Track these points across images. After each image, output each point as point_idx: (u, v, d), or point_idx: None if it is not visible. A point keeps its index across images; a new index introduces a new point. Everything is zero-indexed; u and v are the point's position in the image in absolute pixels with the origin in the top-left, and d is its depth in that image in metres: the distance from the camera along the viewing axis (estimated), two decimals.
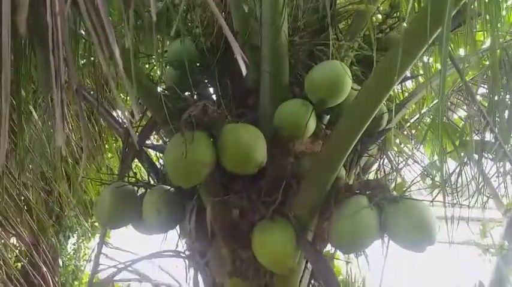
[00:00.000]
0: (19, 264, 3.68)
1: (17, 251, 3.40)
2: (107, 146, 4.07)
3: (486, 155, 2.46)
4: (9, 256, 3.37)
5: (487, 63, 2.87)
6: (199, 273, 1.66)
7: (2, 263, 2.72)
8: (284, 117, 1.35)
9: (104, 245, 1.82)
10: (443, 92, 1.18)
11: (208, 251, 1.51)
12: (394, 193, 1.42)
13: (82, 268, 6.08)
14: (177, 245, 1.64)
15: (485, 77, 2.56)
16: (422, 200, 1.32)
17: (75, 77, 0.75)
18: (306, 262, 1.59)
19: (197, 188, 1.47)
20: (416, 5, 1.57)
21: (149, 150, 1.99)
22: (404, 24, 1.59)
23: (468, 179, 2.55)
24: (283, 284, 1.52)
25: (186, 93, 1.52)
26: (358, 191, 1.42)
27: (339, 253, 1.86)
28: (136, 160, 1.97)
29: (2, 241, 2.84)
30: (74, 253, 6.03)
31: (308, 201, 1.40)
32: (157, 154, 1.85)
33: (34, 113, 2.34)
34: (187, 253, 1.69)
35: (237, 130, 1.27)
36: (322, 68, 1.30)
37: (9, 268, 2.79)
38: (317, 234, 1.54)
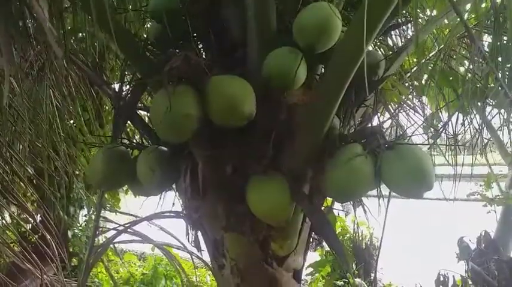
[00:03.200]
0: (31, 237, 3.76)
1: (28, 225, 3.47)
2: (110, 117, 4.05)
3: (490, 103, 2.40)
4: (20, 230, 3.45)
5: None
6: (198, 231, 1.67)
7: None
8: (272, 67, 1.30)
9: (103, 209, 1.83)
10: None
11: (203, 208, 1.51)
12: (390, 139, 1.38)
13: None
14: (173, 204, 1.64)
15: (488, 22, 2.45)
16: (418, 144, 1.28)
17: None
18: (305, 215, 1.58)
19: (189, 146, 1.45)
20: None
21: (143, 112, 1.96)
22: None
23: (472, 130, 2.50)
24: (282, 237, 1.52)
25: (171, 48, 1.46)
26: (352, 140, 1.38)
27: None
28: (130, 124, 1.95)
29: (14, 212, 2.90)
30: (85, 225, 6.17)
31: (301, 153, 1.37)
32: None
33: None
34: (184, 212, 1.69)
35: (222, 82, 1.23)
36: (310, 11, 1.24)
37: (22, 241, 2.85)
38: (314, 187, 1.52)
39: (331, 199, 1.54)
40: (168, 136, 1.23)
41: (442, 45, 2.45)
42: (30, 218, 3.18)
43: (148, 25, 2.08)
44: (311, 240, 1.78)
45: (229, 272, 1.56)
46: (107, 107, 3.86)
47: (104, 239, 1.86)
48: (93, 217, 6.35)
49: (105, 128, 3.87)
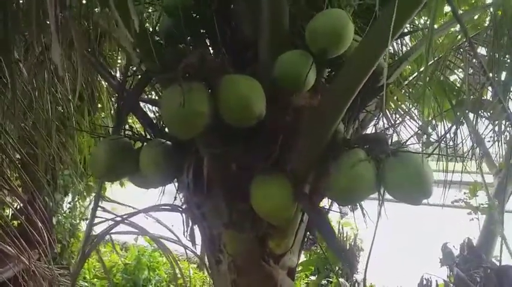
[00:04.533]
0: (15, 222, 3.71)
1: (12, 208, 3.42)
2: (99, 105, 4.01)
3: (482, 114, 2.47)
4: (6, 213, 3.40)
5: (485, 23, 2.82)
6: (196, 226, 1.69)
7: None
8: (283, 69, 1.32)
9: (100, 199, 1.83)
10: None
11: (205, 204, 1.52)
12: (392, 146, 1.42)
13: (79, 226, 6.18)
14: (175, 199, 1.65)
15: (485, 35, 2.52)
16: (420, 153, 1.32)
17: None
18: (302, 215, 1.61)
19: (195, 141, 1.46)
20: None
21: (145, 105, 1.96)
22: None
23: (462, 139, 2.57)
24: (280, 235, 1.55)
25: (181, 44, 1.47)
26: (356, 145, 1.42)
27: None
28: (130, 115, 1.95)
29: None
30: (69, 212, 6.10)
31: (306, 155, 1.40)
32: (153, 107, 1.82)
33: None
34: (184, 206, 1.70)
35: (236, 81, 1.24)
36: (324, 16, 1.26)
37: (6, 225, 2.81)
38: (314, 187, 1.55)
39: (332, 200, 1.57)
40: (178, 132, 1.24)
41: (440, 55, 2.51)
42: (19, 202, 3.14)
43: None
44: (305, 239, 1.82)
45: (226, 268, 1.59)
46: (98, 95, 3.82)
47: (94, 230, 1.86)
48: (77, 204, 6.31)
49: (95, 115, 3.82)
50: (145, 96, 1.93)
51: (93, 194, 6.09)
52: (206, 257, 1.74)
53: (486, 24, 2.87)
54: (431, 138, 2.46)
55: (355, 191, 1.30)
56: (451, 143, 2.28)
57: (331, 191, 1.37)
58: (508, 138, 2.48)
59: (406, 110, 2.42)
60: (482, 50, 2.75)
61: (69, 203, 6.14)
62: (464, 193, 4.14)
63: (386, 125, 2.06)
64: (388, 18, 1.07)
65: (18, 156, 2.89)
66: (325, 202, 1.84)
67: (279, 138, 1.36)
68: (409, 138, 1.92)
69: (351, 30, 1.27)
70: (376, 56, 1.14)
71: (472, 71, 2.61)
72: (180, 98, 1.13)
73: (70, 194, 6.03)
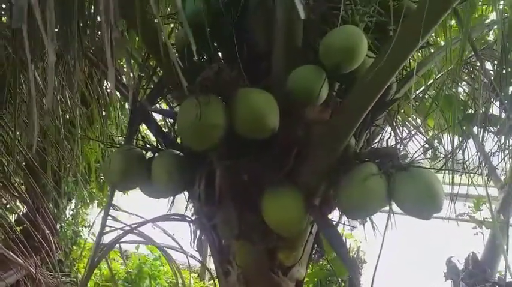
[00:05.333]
0: (19, 228, 3.72)
1: (18, 213, 3.43)
2: (104, 113, 4.04)
3: (489, 129, 2.48)
4: (11, 218, 3.41)
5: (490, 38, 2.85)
6: (205, 236, 1.69)
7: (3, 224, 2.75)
8: (297, 83, 1.34)
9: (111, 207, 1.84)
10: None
11: (216, 214, 1.53)
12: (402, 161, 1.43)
13: (81, 233, 6.17)
14: (186, 209, 1.66)
15: (490, 49, 2.54)
16: (431, 168, 1.34)
17: None
18: (311, 227, 1.62)
19: (207, 152, 1.48)
20: None
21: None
22: None
23: (469, 154, 2.58)
24: (290, 247, 1.56)
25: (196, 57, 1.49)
26: (367, 159, 1.43)
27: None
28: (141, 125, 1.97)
29: (4, 201, 2.86)
30: (72, 219, 6.10)
31: (317, 168, 1.41)
32: (166, 118, 1.84)
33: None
34: (193, 216, 1.72)
35: (250, 95, 1.27)
36: (339, 33, 1.28)
37: (12, 230, 2.82)
38: (323, 200, 1.56)
39: (342, 214, 1.58)
40: (193, 143, 1.26)
41: (447, 69, 2.53)
42: (25, 208, 3.15)
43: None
44: (313, 252, 1.82)
45: (235, 279, 1.59)
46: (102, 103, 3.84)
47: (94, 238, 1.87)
48: (80, 211, 6.32)
49: (97, 124, 3.84)
50: (157, 107, 1.94)
51: (96, 201, 6.12)
52: (214, 268, 1.74)
53: (489, 38, 2.91)
54: (438, 152, 2.48)
55: (367, 206, 1.32)
56: (458, 157, 2.30)
57: (343, 205, 1.38)
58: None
59: (414, 123, 2.43)
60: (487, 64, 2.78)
61: (72, 210, 6.15)
62: (469, 207, 4.14)
63: (394, 139, 2.07)
64: (402, 38, 1.10)
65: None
66: (333, 214, 1.85)
67: (292, 151, 1.37)
68: (416, 151, 1.94)
69: (364, 47, 1.29)
70: (389, 75, 1.17)
71: (477, 85, 2.64)
72: (197, 110, 1.15)
73: (73, 201, 6.04)
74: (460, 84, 2.92)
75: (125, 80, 2.02)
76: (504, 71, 2.12)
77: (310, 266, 5.40)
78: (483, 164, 2.82)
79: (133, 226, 1.81)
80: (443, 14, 1.10)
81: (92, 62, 2.28)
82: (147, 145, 1.67)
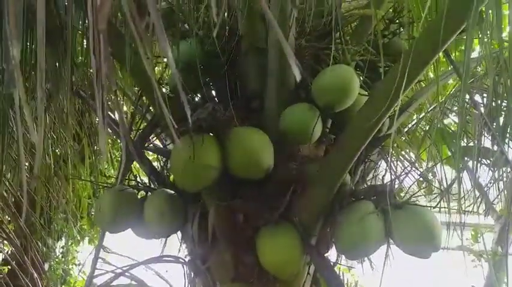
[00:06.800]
0: (6, 268, 3.60)
1: (4, 253, 3.32)
2: (96, 147, 4.00)
3: (483, 162, 2.49)
4: None
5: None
6: (199, 279, 1.64)
7: None
8: (290, 122, 1.34)
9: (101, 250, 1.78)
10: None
11: (210, 256, 1.49)
12: (399, 199, 1.42)
13: (71, 272, 5.98)
14: (179, 250, 1.62)
15: (481, 82, 2.58)
16: (428, 206, 1.32)
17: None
18: (309, 267, 1.57)
19: (200, 192, 1.45)
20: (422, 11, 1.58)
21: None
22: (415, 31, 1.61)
23: (463, 186, 2.57)
24: None
25: (189, 96, 1.50)
26: (363, 197, 1.41)
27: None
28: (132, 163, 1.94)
29: None
30: (62, 257, 5.93)
31: (313, 206, 1.39)
32: (159, 156, 1.82)
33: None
34: (186, 258, 1.66)
35: (245, 135, 1.26)
36: (331, 72, 1.29)
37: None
38: (320, 239, 1.53)
39: (341, 254, 1.54)
40: (186, 184, 1.24)
41: (438, 102, 2.56)
42: (14, 249, 3.05)
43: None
44: None
45: None
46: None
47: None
48: (71, 248, 6.15)
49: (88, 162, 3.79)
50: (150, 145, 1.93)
51: (87, 238, 5.96)
52: None
53: (479, 69, 2.97)
54: (432, 185, 2.47)
55: (365, 245, 1.29)
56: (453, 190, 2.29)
57: (341, 246, 1.35)
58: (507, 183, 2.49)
59: (407, 157, 2.43)
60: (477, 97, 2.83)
61: (62, 247, 5.98)
62: (467, 239, 4.09)
63: (389, 174, 2.06)
64: (392, 81, 1.11)
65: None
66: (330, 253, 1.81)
67: (288, 190, 1.35)
68: (411, 186, 1.93)
69: (356, 85, 1.30)
70: (381, 117, 1.17)
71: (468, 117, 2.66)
72: (190, 150, 1.13)
73: (63, 239, 5.89)
74: (450, 115, 2.95)
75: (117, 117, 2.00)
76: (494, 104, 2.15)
77: None
78: (479, 199, 2.81)
79: (124, 268, 1.75)
80: (434, 56, 1.12)
81: (83, 98, 2.27)
82: (139, 185, 1.64)
